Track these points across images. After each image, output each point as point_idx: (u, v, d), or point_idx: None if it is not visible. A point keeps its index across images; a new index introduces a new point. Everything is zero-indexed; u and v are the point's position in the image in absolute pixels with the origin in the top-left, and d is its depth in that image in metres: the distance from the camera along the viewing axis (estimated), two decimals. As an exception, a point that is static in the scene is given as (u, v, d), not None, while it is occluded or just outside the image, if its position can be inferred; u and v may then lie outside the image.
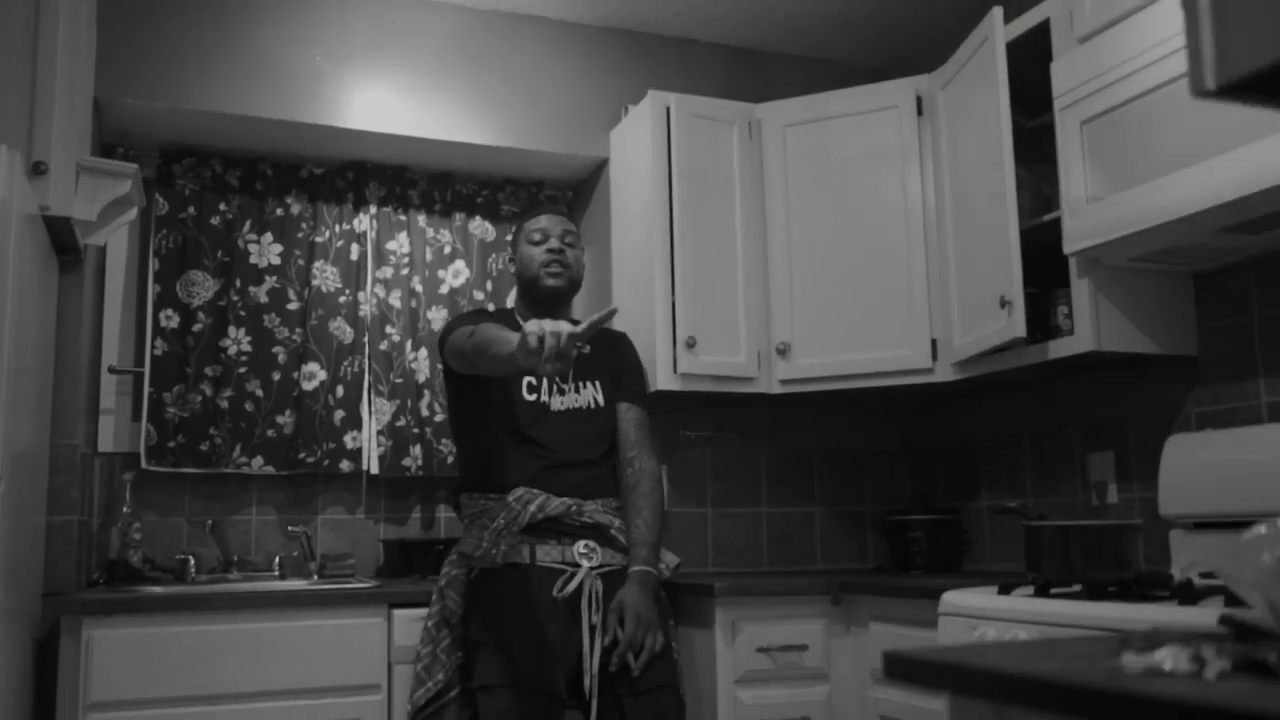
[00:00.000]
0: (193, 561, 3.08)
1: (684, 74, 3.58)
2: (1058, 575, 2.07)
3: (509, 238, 3.57)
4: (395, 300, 3.41)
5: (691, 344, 3.06)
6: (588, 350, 2.07)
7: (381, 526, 3.37)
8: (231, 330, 3.25)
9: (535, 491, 2.62)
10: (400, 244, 3.45)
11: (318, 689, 2.63)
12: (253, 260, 3.31)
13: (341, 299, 3.37)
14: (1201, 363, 2.62)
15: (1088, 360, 2.65)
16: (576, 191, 3.73)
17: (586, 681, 2.48)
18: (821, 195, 3.19)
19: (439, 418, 3.37)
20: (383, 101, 3.26)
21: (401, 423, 3.34)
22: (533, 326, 2.02)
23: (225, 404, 3.21)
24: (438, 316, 3.45)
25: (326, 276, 3.36)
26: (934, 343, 3.02)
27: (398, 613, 2.73)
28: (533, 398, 2.72)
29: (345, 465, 3.29)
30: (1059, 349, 2.61)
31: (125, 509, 3.06)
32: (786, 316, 3.17)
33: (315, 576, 3.15)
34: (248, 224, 3.32)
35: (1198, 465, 2.39)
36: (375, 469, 3.33)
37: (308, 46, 3.20)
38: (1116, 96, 2.27)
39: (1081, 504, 2.97)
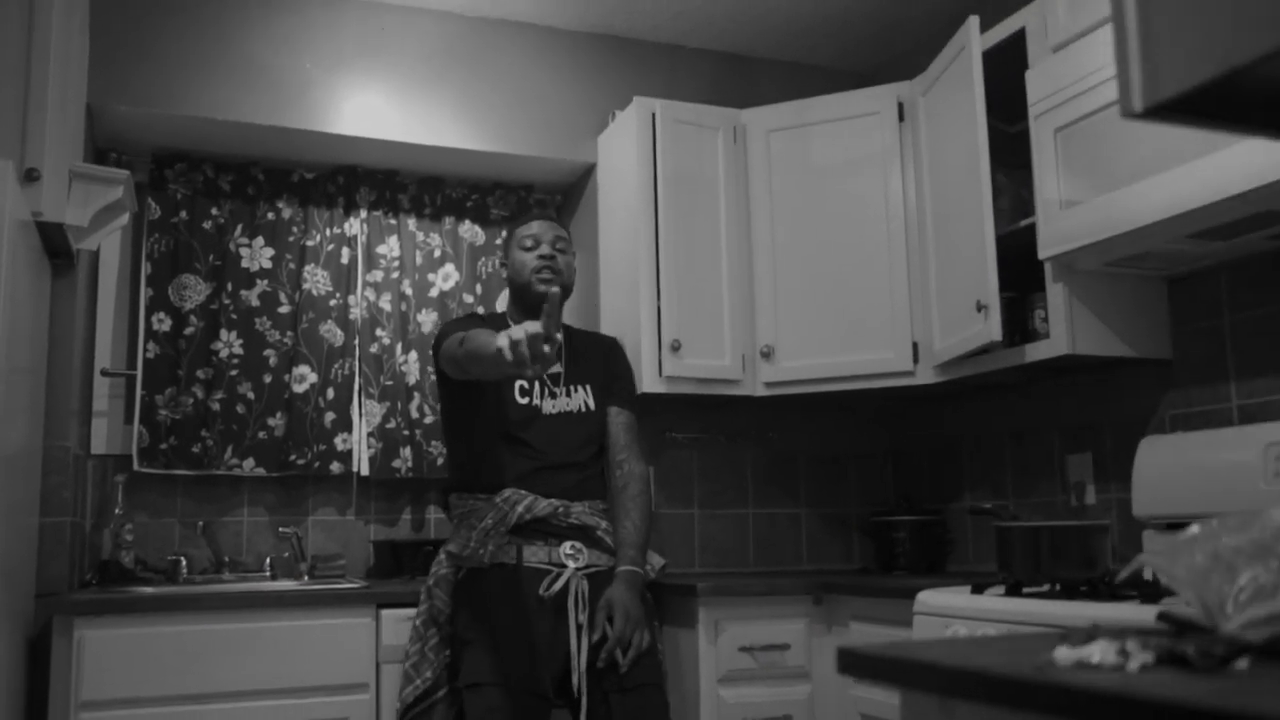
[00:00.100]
0: (184, 562, 3.12)
1: (670, 79, 3.62)
2: (1028, 575, 2.12)
3: (499, 241, 3.62)
4: (385, 303, 3.45)
5: (676, 347, 3.10)
6: (560, 336, 2.11)
7: (372, 528, 3.41)
8: (223, 333, 3.29)
9: (523, 492, 2.67)
10: (390, 248, 3.49)
11: (307, 688, 2.67)
12: (244, 264, 3.35)
13: (332, 302, 3.41)
14: (1175, 366, 2.67)
15: (1065, 363, 2.69)
16: (565, 196, 3.78)
17: (574, 679, 2.53)
18: (805, 200, 3.23)
19: (429, 420, 3.42)
20: (373, 107, 3.30)
21: (392, 425, 3.38)
22: (501, 340, 2.07)
23: (217, 406, 3.25)
24: (428, 320, 3.49)
25: (317, 280, 3.40)
26: (915, 346, 3.06)
27: (386, 613, 2.76)
28: (525, 401, 2.77)
29: (336, 467, 3.33)
30: (1035, 352, 2.66)
31: (117, 510, 3.10)
32: (771, 320, 3.22)
33: (306, 577, 3.19)
34: (239, 228, 3.36)
35: (1169, 467, 2.44)
36: (365, 471, 3.37)
37: (298, 53, 3.24)
38: (1089, 104, 2.32)
39: (1061, 505, 3.01)
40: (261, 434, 3.27)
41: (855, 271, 3.14)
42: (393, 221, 3.52)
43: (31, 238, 2.46)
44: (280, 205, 3.41)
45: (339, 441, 3.35)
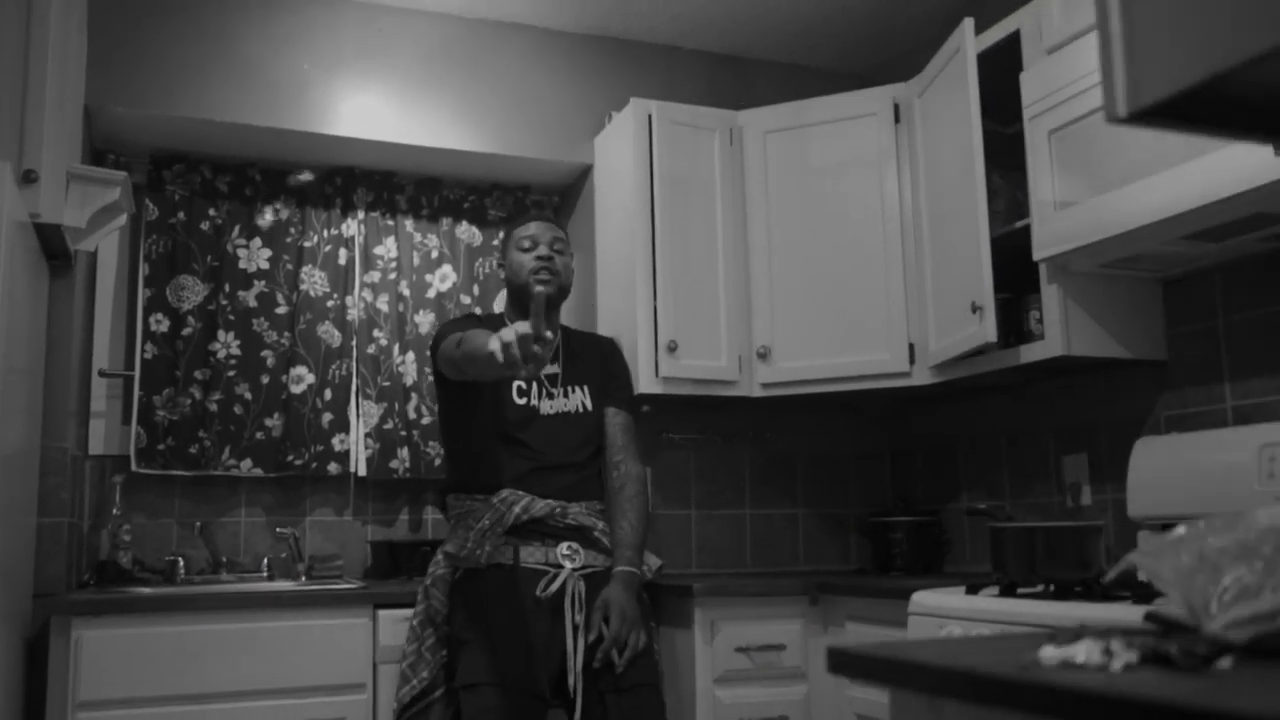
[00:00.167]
0: (182, 563, 3.13)
1: (667, 80, 3.63)
2: (1022, 575, 2.12)
3: (496, 242, 3.63)
4: (383, 304, 3.46)
5: (673, 348, 3.11)
6: (550, 336, 2.11)
7: (369, 528, 3.42)
8: (221, 334, 3.29)
9: (520, 493, 2.68)
10: (388, 249, 3.50)
11: (304, 688, 2.67)
12: (242, 265, 3.35)
13: (329, 303, 3.42)
14: (1170, 367, 2.67)
15: (1061, 364, 2.70)
16: (562, 196, 3.78)
17: (570, 679, 2.53)
18: (801, 201, 3.24)
19: (426, 420, 3.42)
20: (370, 108, 3.31)
21: (389, 425, 3.39)
22: (493, 343, 2.07)
23: (214, 407, 3.25)
24: (425, 320, 3.49)
25: (315, 281, 3.41)
26: (911, 347, 3.06)
27: (383, 613, 2.77)
28: (523, 401, 2.78)
29: (333, 467, 3.34)
30: (1030, 353, 2.66)
31: (115, 511, 3.11)
32: (767, 321, 3.22)
33: (303, 578, 3.20)
34: (237, 229, 3.37)
35: (1164, 468, 2.45)
36: (363, 471, 3.38)
37: (296, 55, 3.25)
38: (1082, 107, 2.32)
39: (1057, 505, 3.02)
40: (259, 435, 3.28)
41: (852, 273, 3.15)
42: (390, 222, 3.53)
43: (29, 239, 2.47)
44: (278, 206, 3.42)
45: (336, 442, 3.36)
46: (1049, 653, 0.88)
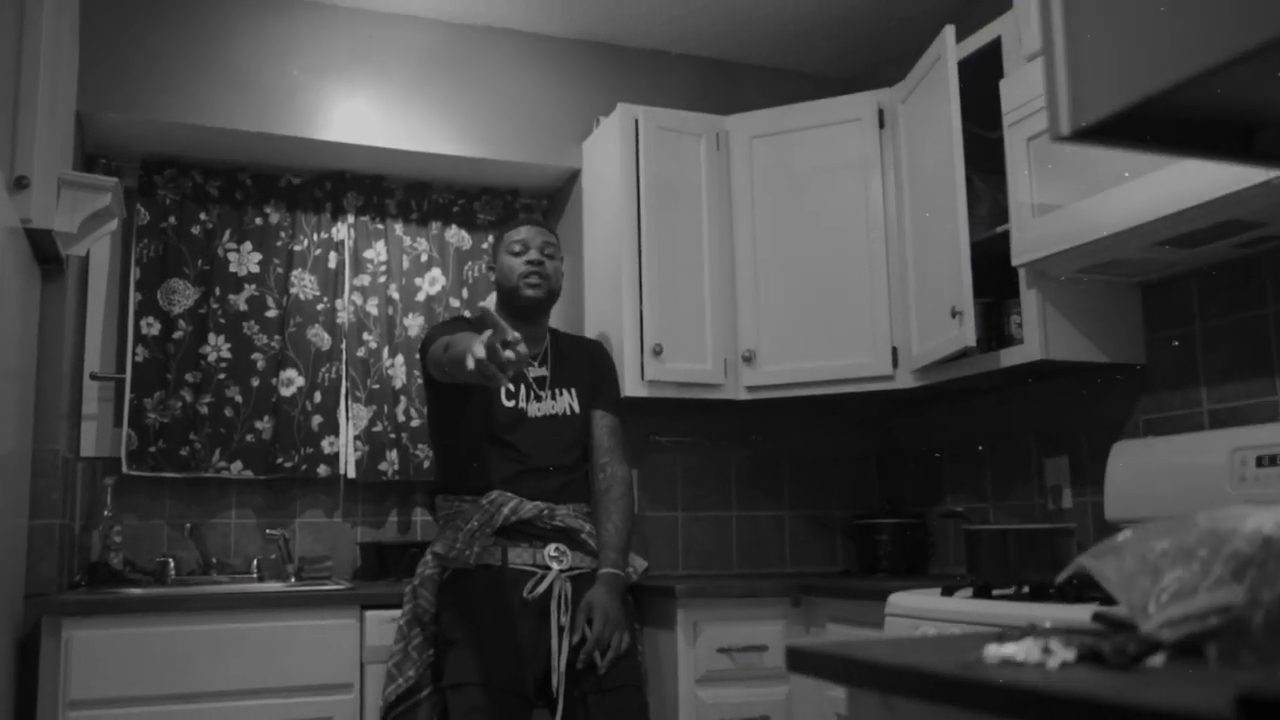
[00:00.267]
0: (172, 564, 3.15)
1: (655, 85, 3.66)
2: (996, 577, 2.16)
3: (485, 246, 3.66)
4: (372, 308, 3.49)
5: (659, 351, 3.14)
6: (516, 336, 2.11)
7: (359, 530, 3.45)
8: (211, 337, 3.32)
9: (509, 495, 2.71)
10: (377, 252, 3.53)
11: (292, 688, 2.70)
12: (232, 269, 3.38)
13: (319, 306, 3.45)
14: (1148, 371, 2.71)
15: (1041, 368, 2.73)
16: (551, 200, 3.81)
17: (554, 680, 2.57)
18: (787, 206, 3.27)
19: (415, 423, 3.45)
20: (360, 113, 3.34)
21: (378, 428, 3.42)
22: (469, 363, 2.05)
23: (205, 410, 3.28)
24: (414, 323, 3.53)
25: (305, 284, 3.44)
26: (894, 350, 3.09)
27: (370, 614, 2.80)
28: (510, 404, 2.81)
29: (323, 470, 3.37)
30: (1010, 358, 2.70)
31: (106, 512, 3.14)
32: (752, 324, 3.25)
33: (293, 579, 3.23)
34: (227, 233, 3.40)
35: (1140, 470, 2.48)
36: (352, 473, 3.41)
37: (287, 60, 3.28)
38: (1059, 115, 2.35)
39: (1039, 508, 3.05)
40: (249, 437, 3.31)
41: (836, 277, 3.18)
42: (380, 226, 3.56)
43: (21, 244, 2.50)
44: (268, 210, 3.45)
45: (326, 444, 3.39)
46: (991, 651, 0.91)
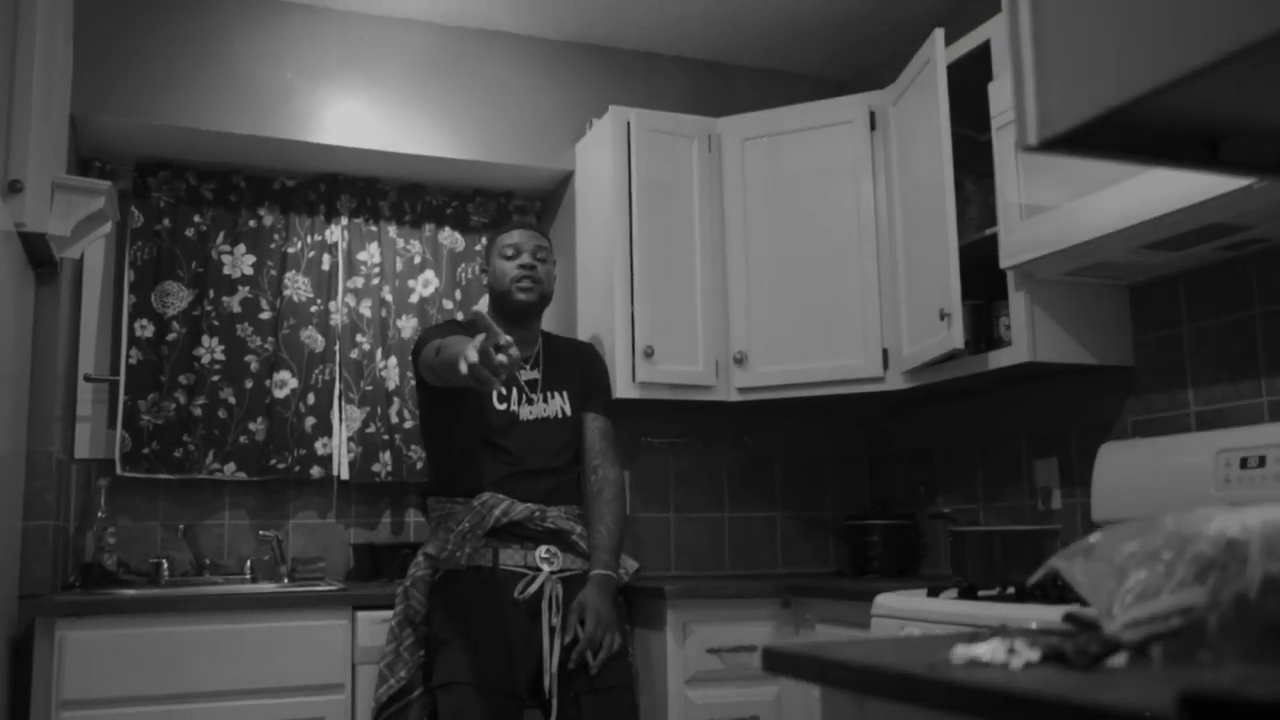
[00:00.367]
0: (166, 565, 3.16)
1: (648, 87, 3.67)
2: (981, 578, 2.17)
3: (478, 248, 3.67)
4: (366, 309, 3.50)
5: (650, 353, 3.15)
6: (508, 340, 2.13)
7: (352, 531, 3.46)
8: (205, 339, 3.33)
9: (500, 496, 2.72)
10: (371, 254, 3.54)
11: (285, 688, 2.72)
12: (226, 271, 3.40)
13: (313, 308, 3.46)
14: (1136, 373, 2.72)
15: (1029, 370, 2.74)
16: (544, 202, 3.83)
17: (546, 680, 2.58)
18: (778, 208, 3.28)
19: (408, 424, 3.47)
20: (354, 116, 3.36)
21: (371, 429, 3.43)
22: (461, 368, 2.07)
23: (199, 411, 3.29)
24: (408, 325, 3.54)
25: (298, 286, 3.46)
26: (885, 352, 3.11)
27: (362, 615, 2.81)
28: (503, 407, 2.83)
29: (316, 471, 3.38)
30: (998, 360, 2.71)
31: (100, 514, 3.15)
32: (744, 326, 3.27)
33: (286, 580, 3.24)
34: (221, 235, 3.41)
35: (1127, 472, 2.49)
36: (345, 475, 3.42)
37: (280, 63, 3.29)
38: (1046, 118, 2.36)
39: (1029, 509, 3.06)
40: (243, 439, 3.32)
41: (827, 279, 3.19)
42: (373, 228, 3.57)
43: (15, 248, 2.51)
44: (262, 213, 3.46)
45: (319, 446, 3.40)
46: (959, 652, 0.93)
